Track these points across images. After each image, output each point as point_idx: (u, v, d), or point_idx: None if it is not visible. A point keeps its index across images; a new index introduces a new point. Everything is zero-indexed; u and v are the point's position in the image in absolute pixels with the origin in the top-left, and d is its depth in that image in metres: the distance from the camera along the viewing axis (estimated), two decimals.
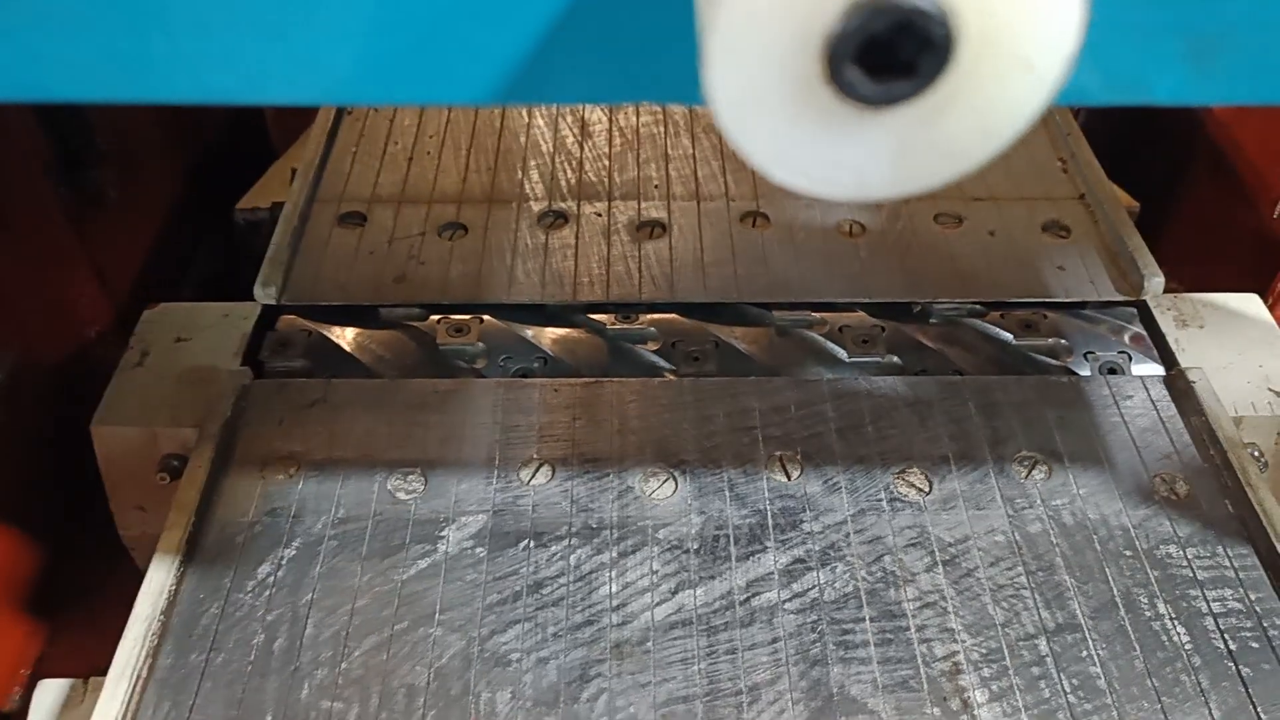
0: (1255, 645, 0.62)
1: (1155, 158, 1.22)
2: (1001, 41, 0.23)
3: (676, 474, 0.71)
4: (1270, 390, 0.79)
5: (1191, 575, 0.66)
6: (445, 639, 0.63)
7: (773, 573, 0.66)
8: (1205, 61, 0.31)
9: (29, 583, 0.84)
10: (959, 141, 0.25)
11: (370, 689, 0.60)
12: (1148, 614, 0.64)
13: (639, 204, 0.92)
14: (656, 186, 0.94)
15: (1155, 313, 0.84)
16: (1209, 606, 0.64)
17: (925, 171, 0.25)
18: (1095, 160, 0.95)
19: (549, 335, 0.82)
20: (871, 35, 0.23)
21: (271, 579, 0.65)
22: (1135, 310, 0.84)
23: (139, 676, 0.60)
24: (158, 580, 0.64)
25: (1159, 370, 0.80)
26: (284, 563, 0.66)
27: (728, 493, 0.70)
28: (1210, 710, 0.59)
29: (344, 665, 0.61)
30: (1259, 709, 0.59)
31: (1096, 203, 0.91)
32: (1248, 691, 0.60)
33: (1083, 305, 0.84)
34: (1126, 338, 0.82)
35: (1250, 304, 0.86)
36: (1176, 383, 0.77)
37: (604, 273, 0.85)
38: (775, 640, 0.62)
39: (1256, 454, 0.78)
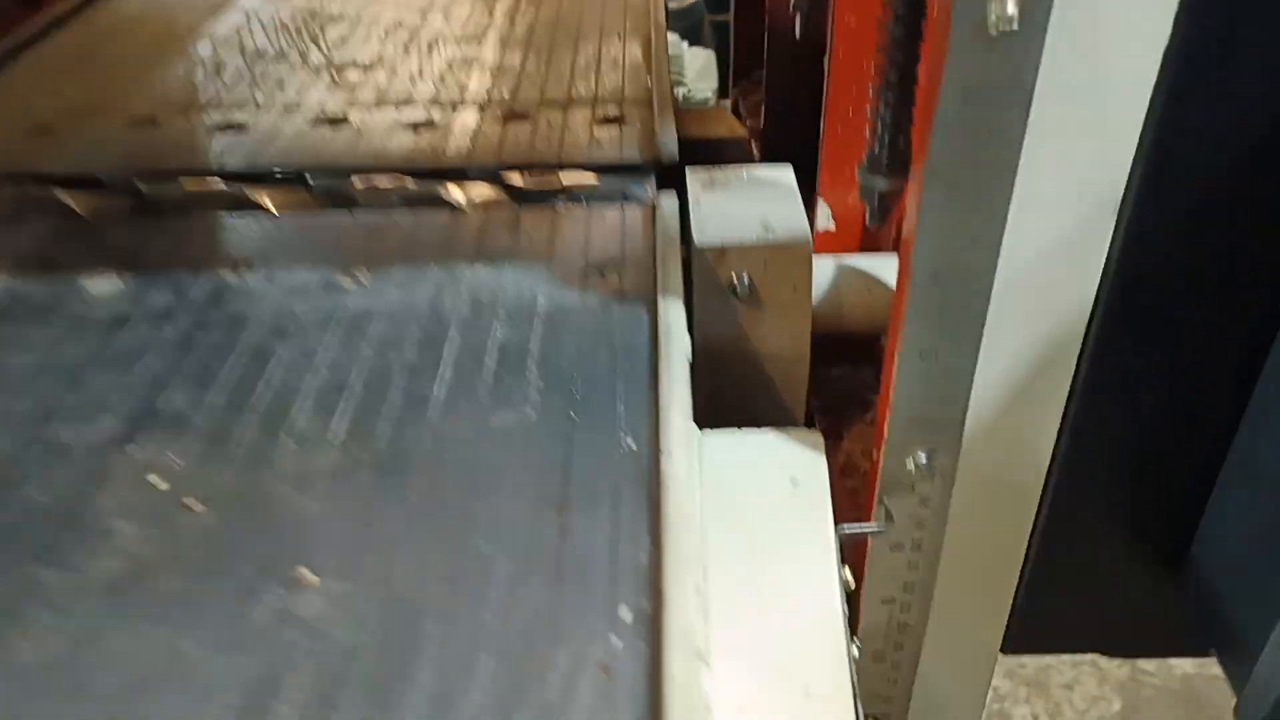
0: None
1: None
2: None
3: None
4: (760, 226, 0.88)
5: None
6: None
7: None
8: None
9: None
10: None
11: None
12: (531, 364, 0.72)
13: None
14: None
15: (689, 177, 0.94)
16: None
17: None
18: (669, 89, 1.09)
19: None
20: None
21: None
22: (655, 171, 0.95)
23: None
24: None
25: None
26: None
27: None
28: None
29: None
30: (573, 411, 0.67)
31: (657, 108, 1.04)
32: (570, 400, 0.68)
33: (616, 169, 0.95)
34: (647, 190, 0.93)
35: (783, 172, 0.96)
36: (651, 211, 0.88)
37: None
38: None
39: (744, 278, 0.87)
